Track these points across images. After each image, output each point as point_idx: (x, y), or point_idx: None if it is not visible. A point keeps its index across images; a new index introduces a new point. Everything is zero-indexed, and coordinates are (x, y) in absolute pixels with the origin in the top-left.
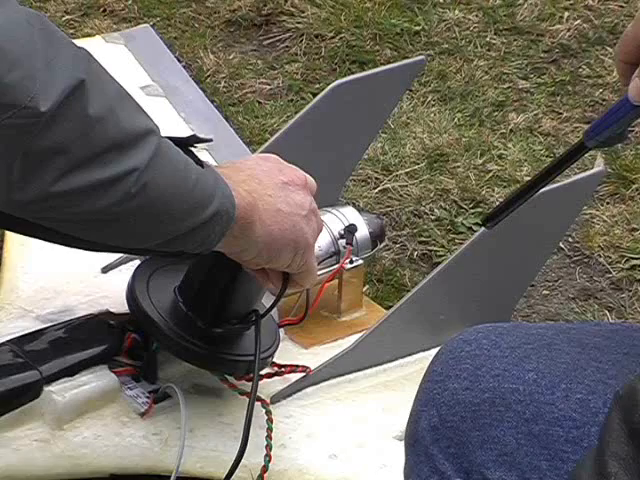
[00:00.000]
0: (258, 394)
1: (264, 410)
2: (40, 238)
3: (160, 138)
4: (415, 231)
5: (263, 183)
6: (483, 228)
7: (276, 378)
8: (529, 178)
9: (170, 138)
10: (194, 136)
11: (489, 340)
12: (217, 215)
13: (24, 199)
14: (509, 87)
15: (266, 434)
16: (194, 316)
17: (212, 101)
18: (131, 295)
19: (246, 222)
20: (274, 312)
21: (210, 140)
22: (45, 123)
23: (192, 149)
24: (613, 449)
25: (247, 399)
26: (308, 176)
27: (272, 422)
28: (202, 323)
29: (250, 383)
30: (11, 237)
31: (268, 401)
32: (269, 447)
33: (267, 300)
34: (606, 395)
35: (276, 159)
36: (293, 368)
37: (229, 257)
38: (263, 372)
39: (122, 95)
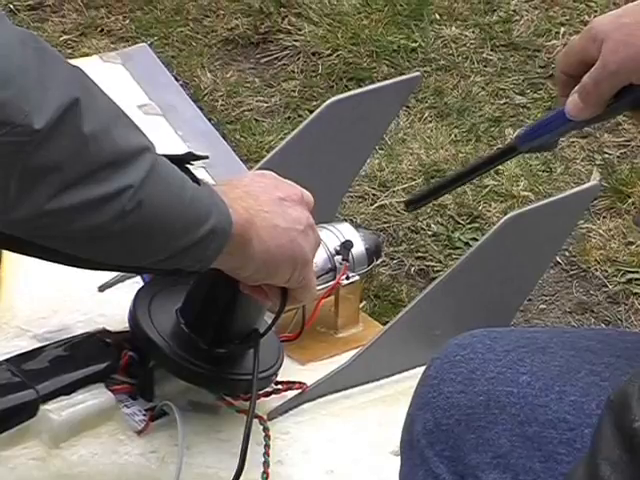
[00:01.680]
0: (255, 411)
1: (262, 427)
2: (36, 256)
3: (155, 155)
4: (412, 247)
5: (259, 199)
6: (479, 242)
7: (274, 389)
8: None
9: (166, 156)
10: (190, 153)
11: (483, 344)
12: (213, 232)
13: (18, 217)
14: (506, 102)
15: (263, 451)
16: (196, 337)
17: (209, 119)
18: (133, 318)
19: (243, 239)
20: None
21: (206, 157)
22: (39, 141)
23: (188, 166)
24: (605, 453)
25: (244, 416)
26: (304, 191)
27: (270, 439)
28: (204, 344)
29: (248, 401)
30: (8, 256)
31: (265, 417)
32: (266, 464)
33: (269, 318)
34: (600, 397)
35: (272, 175)
36: (290, 385)
37: (228, 276)
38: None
39: (117, 113)
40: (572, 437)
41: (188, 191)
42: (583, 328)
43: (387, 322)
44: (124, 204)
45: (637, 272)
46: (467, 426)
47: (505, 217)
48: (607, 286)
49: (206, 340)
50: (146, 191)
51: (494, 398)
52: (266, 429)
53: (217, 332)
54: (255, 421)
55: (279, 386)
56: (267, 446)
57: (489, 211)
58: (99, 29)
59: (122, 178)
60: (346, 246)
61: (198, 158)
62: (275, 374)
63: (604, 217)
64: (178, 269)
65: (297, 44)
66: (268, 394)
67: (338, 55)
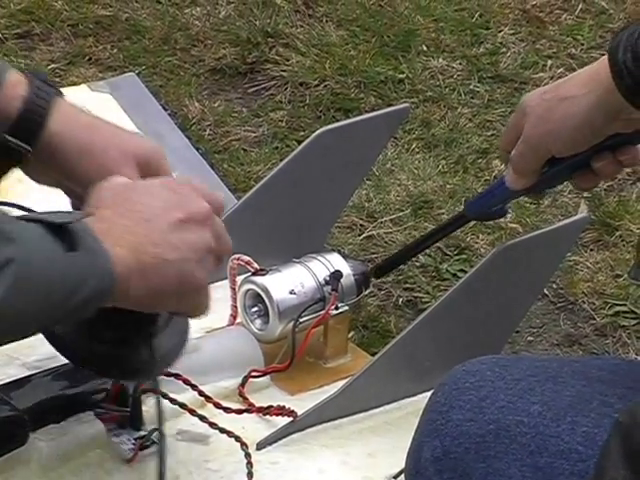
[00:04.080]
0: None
1: (244, 452)
2: None
3: (19, 265)
4: (400, 278)
5: (151, 227)
6: (468, 274)
7: (262, 423)
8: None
9: (46, 222)
10: (73, 214)
11: (493, 372)
12: (90, 298)
13: None
14: (493, 134)
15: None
16: (96, 330)
17: (197, 149)
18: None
19: (125, 287)
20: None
21: (89, 215)
22: None
23: (70, 228)
24: (611, 474)
25: (234, 444)
26: (216, 198)
27: (252, 466)
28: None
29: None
30: None
31: (248, 444)
32: None
33: None
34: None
35: (179, 187)
36: (280, 411)
37: None
38: (236, 407)
39: None
40: (584, 468)
41: (56, 281)
42: (591, 357)
43: (375, 353)
44: None
45: (624, 305)
46: (477, 455)
47: (495, 249)
48: (594, 319)
49: (103, 327)
50: (10, 304)
51: (504, 427)
52: (248, 455)
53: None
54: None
55: (267, 417)
56: (250, 474)
57: (477, 243)
58: (87, 58)
59: None
60: (335, 276)
61: (81, 218)
62: (177, 356)
63: (591, 250)
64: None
65: (285, 74)
66: (241, 411)
67: (326, 86)
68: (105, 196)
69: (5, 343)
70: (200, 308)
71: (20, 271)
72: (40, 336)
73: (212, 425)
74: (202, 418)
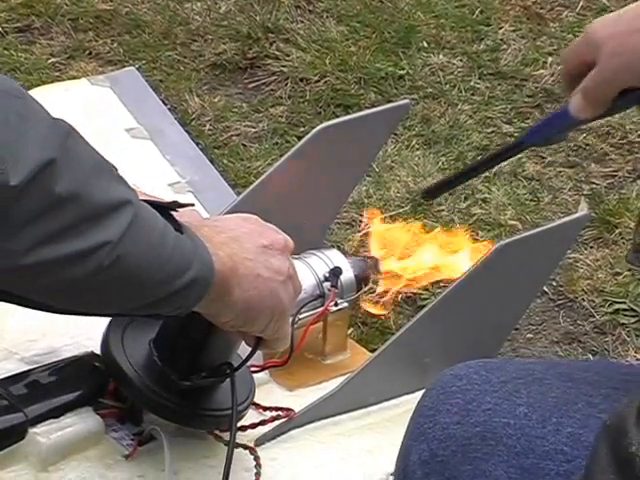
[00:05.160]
0: (245, 440)
1: (252, 456)
2: (14, 303)
3: (136, 208)
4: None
5: (243, 246)
6: (469, 270)
7: (261, 419)
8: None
9: (150, 202)
10: (175, 202)
11: (479, 375)
12: (194, 282)
13: None
14: (493, 131)
15: (254, 478)
16: (168, 370)
17: (197, 144)
18: (105, 347)
19: (224, 287)
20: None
21: (192, 205)
22: (16, 197)
23: (173, 213)
24: (598, 478)
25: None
26: (287, 238)
27: (261, 467)
28: (176, 377)
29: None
30: None
31: (254, 445)
32: None
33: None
34: (597, 429)
35: (256, 220)
36: (277, 414)
37: None
38: (248, 421)
39: (98, 166)
40: (569, 469)
41: (169, 242)
42: (579, 360)
43: (374, 349)
44: (102, 259)
45: (624, 303)
46: (463, 457)
47: (495, 245)
48: (594, 316)
49: (178, 373)
50: (125, 246)
51: (491, 429)
52: (257, 458)
53: (189, 365)
54: (245, 451)
55: (267, 413)
56: (258, 474)
57: (477, 240)
58: (87, 52)
59: (100, 234)
60: (335, 273)
61: (183, 206)
62: (247, 409)
63: (591, 247)
64: (157, 314)
65: (285, 70)
66: (255, 425)
67: (326, 81)
68: (195, 218)
69: (99, 313)
70: (283, 338)
71: (137, 217)
72: (39, 330)
73: (209, 433)
74: None
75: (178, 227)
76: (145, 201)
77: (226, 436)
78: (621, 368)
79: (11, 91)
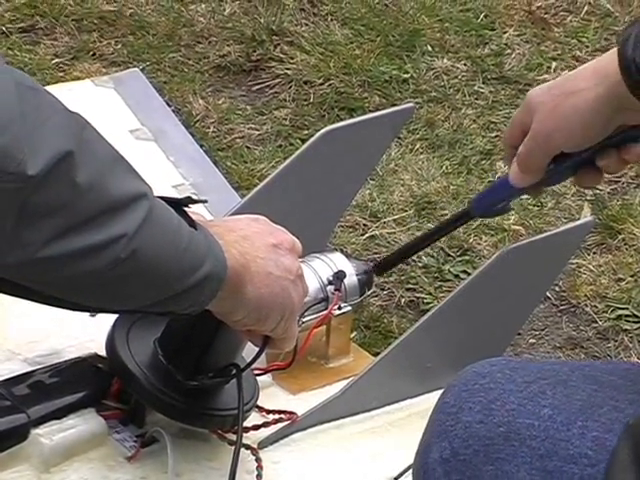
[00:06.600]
0: (248, 442)
1: (254, 457)
2: (22, 297)
3: (152, 201)
4: (403, 278)
5: (255, 245)
6: (473, 275)
7: (263, 422)
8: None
9: (164, 198)
10: (189, 197)
11: (503, 374)
12: (208, 278)
13: (11, 262)
14: (497, 136)
15: None
16: (174, 369)
17: (201, 146)
18: (111, 346)
19: (237, 284)
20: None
21: (205, 201)
22: (33, 188)
23: (186, 209)
24: (620, 478)
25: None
26: (295, 239)
27: (262, 469)
28: (182, 376)
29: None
30: None
31: (256, 447)
32: None
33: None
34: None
35: (265, 221)
36: (279, 417)
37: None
38: (250, 423)
39: (114, 160)
40: (593, 473)
41: (184, 237)
42: (601, 362)
43: (377, 353)
44: (118, 252)
45: (627, 309)
46: (486, 457)
47: (499, 251)
48: (597, 322)
49: (183, 373)
50: (141, 239)
51: (514, 430)
52: (258, 459)
53: (195, 365)
54: (247, 451)
55: (269, 416)
56: (259, 476)
57: (479, 244)
58: (91, 53)
59: (116, 226)
60: (339, 276)
61: (196, 202)
62: (251, 409)
63: (594, 253)
64: (170, 311)
65: (289, 72)
66: (257, 427)
67: (330, 84)
68: (206, 218)
69: (113, 309)
70: (291, 338)
71: (152, 211)
72: (41, 332)
73: (214, 432)
74: None
75: (191, 223)
76: (158, 197)
77: (229, 436)
78: None
79: (27, 84)
